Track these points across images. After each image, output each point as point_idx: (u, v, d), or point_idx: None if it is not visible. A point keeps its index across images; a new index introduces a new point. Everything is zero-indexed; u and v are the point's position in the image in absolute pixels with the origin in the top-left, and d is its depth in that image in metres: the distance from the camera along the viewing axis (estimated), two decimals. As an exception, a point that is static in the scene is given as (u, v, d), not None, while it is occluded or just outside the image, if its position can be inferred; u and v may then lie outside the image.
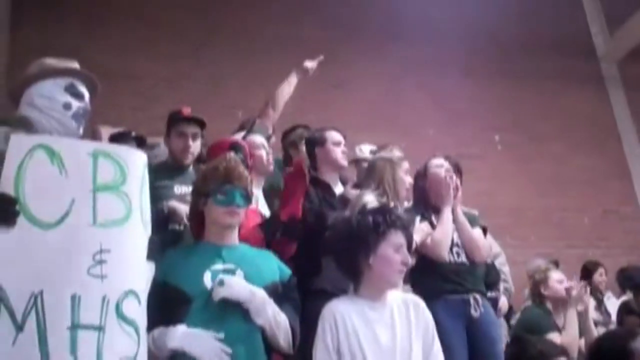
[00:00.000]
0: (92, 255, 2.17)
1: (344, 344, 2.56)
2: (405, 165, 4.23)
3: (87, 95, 2.78)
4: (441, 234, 3.87)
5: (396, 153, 4.44)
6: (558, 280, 4.77)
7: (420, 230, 3.83)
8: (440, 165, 4.15)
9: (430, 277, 3.78)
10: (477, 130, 8.27)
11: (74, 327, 2.08)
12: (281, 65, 7.72)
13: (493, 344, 3.78)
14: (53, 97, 2.66)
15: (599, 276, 6.67)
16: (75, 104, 2.70)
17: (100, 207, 2.23)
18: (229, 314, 2.64)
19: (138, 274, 2.27)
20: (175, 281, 2.66)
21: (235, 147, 3.63)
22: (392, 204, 3.57)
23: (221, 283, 2.65)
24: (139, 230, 2.32)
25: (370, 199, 3.70)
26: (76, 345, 2.07)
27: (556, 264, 5.63)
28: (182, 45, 7.44)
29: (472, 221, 4.09)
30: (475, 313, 3.75)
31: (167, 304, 2.59)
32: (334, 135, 4.34)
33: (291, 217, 3.44)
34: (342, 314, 2.61)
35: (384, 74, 8.07)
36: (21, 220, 2.13)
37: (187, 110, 4.09)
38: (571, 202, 8.41)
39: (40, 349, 2.03)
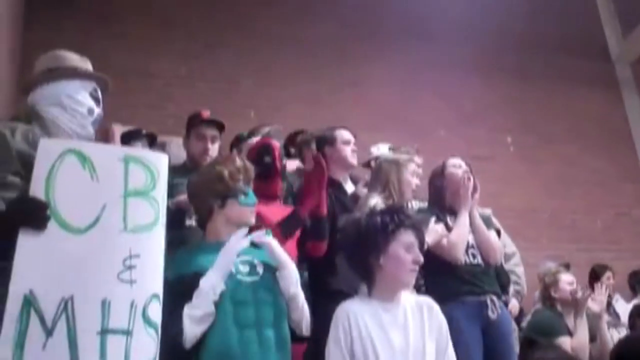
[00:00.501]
0: (123, 261, 2.19)
1: (357, 345, 2.57)
2: (412, 166, 4.20)
3: (101, 101, 2.80)
4: (457, 236, 3.86)
5: (405, 155, 4.42)
6: (568, 283, 4.76)
7: (435, 231, 3.81)
8: (458, 166, 4.16)
9: (446, 279, 3.78)
10: (488, 131, 8.25)
11: (104, 331, 2.10)
12: (295, 65, 7.79)
13: (509, 346, 3.79)
14: (79, 99, 2.67)
15: (607, 279, 6.66)
16: (97, 110, 2.72)
17: (130, 212, 2.25)
18: (259, 298, 2.70)
19: (160, 276, 2.30)
20: (196, 269, 2.68)
21: (266, 148, 3.66)
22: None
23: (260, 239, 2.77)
24: (163, 234, 2.34)
25: (376, 202, 3.72)
26: (105, 350, 2.09)
27: (567, 267, 5.62)
28: (195, 44, 7.44)
29: (487, 223, 4.09)
30: (492, 315, 3.75)
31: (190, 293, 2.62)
32: (343, 134, 4.36)
33: (315, 214, 3.46)
34: (356, 314, 2.62)
35: (397, 74, 8.06)
36: (52, 224, 2.14)
37: (206, 113, 4.10)
38: (583, 205, 8.38)
39: (71, 354, 2.05)
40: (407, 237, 2.71)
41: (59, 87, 2.67)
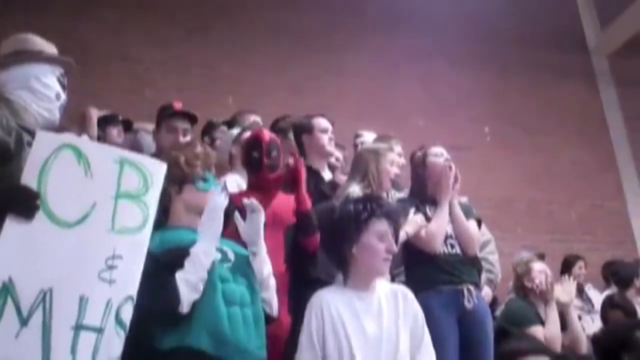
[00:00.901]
0: (105, 260, 2.18)
1: (329, 333, 2.57)
2: (391, 156, 4.17)
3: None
4: (436, 227, 3.85)
5: (384, 144, 4.41)
6: (540, 271, 4.80)
7: (414, 222, 3.80)
8: (439, 155, 4.14)
9: (423, 268, 3.79)
10: (467, 121, 8.29)
11: (78, 327, 2.09)
12: (276, 52, 7.77)
13: (485, 335, 3.79)
14: (48, 83, 2.64)
15: (578, 269, 6.74)
16: (62, 95, 2.70)
17: (119, 213, 2.24)
18: (236, 279, 2.69)
19: (136, 279, 2.27)
20: (177, 244, 2.65)
21: (254, 142, 3.65)
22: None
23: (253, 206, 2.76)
24: (146, 239, 2.33)
25: (355, 190, 3.73)
26: (76, 345, 2.08)
27: (541, 257, 5.67)
28: (176, 29, 7.41)
29: (468, 212, 4.09)
30: (468, 304, 3.75)
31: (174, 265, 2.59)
32: (321, 123, 4.36)
33: (298, 211, 3.47)
34: (329, 302, 2.62)
35: (379, 63, 8.08)
36: (40, 215, 2.12)
37: (178, 105, 3.99)
38: (559, 195, 8.46)
39: (43, 345, 2.03)
40: (380, 226, 2.70)
41: (28, 70, 2.64)
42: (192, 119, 4.01)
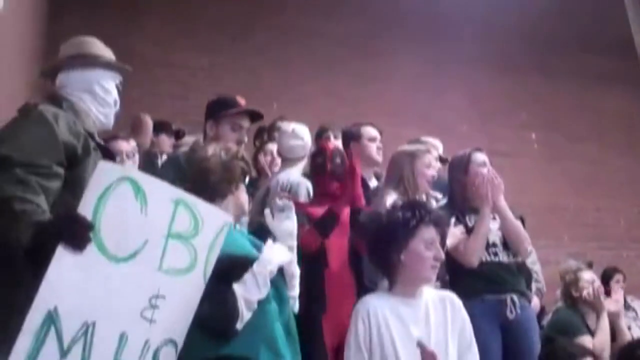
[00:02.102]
0: (149, 299, 2.18)
1: (375, 338, 2.56)
2: (427, 157, 4.02)
3: None
4: (475, 242, 3.75)
5: (420, 146, 4.34)
6: (589, 282, 4.72)
7: (453, 235, 3.69)
8: (482, 164, 4.01)
9: (466, 277, 3.71)
10: (512, 127, 8.22)
11: None
12: (318, 58, 7.79)
13: (530, 345, 3.71)
14: (109, 90, 2.69)
15: (615, 282, 6.59)
16: (118, 103, 2.75)
17: (169, 253, 2.23)
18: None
19: (183, 325, 2.25)
20: (237, 250, 2.62)
21: (320, 149, 3.85)
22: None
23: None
24: (198, 285, 2.30)
25: (392, 199, 3.69)
26: None
27: (590, 265, 5.57)
28: (220, 36, 7.47)
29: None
30: (510, 315, 3.68)
31: (239, 270, 2.55)
32: (369, 131, 4.34)
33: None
34: (375, 308, 2.61)
35: (420, 69, 8.04)
36: (91, 247, 2.11)
37: (243, 101, 3.78)
38: (606, 203, 8.33)
39: None
40: (428, 233, 2.68)
41: (92, 74, 2.68)
42: (253, 118, 3.79)
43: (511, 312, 3.69)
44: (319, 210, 3.51)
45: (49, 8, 6.55)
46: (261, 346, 2.49)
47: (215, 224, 2.37)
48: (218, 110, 3.68)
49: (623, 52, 9.12)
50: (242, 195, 2.81)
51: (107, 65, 2.73)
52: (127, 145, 4.33)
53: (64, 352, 2.03)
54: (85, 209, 2.14)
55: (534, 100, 8.51)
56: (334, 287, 3.36)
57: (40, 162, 2.27)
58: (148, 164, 4.74)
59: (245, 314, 2.43)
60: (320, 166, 3.67)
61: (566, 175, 8.23)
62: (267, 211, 2.80)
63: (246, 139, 3.66)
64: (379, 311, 2.60)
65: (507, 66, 8.42)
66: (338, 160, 3.65)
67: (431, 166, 4.04)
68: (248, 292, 2.46)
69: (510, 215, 3.90)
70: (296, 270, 2.76)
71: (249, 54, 7.49)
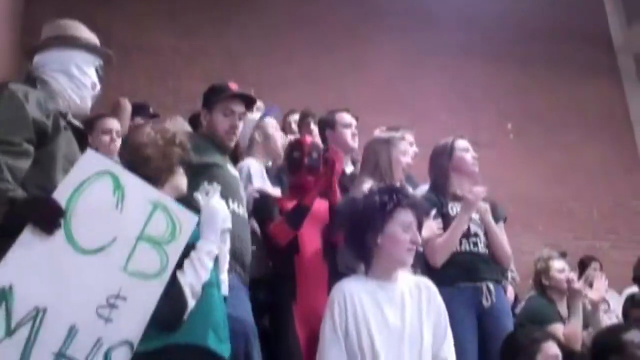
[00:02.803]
0: (107, 297, 2.16)
1: (352, 323, 2.56)
2: (403, 145, 4.06)
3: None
4: (445, 243, 3.74)
5: (396, 133, 4.34)
6: (559, 270, 4.76)
7: (429, 228, 3.66)
8: (466, 149, 4.05)
9: (444, 264, 3.71)
10: (490, 117, 8.25)
11: (59, 355, 2.07)
12: (298, 44, 7.76)
13: (504, 333, 3.69)
14: (87, 72, 2.67)
15: (593, 270, 6.64)
16: (98, 86, 2.73)
17: (137, 255, 2.21)
18: None
19: (140, 327, 2.20)
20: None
21: (296, 144, 3.74)
22: None
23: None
24: (158, 291, 2.26)
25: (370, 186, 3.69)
26: None
27: (563, 255, 5.61)
28: (199, 20, 7.42)
29: (496, 212, 4.02)
30: (486, 302, 3.71)
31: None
32: (344, 118, 4.36)
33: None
34: (352, 292, 2.61)
35: (401, 57, 8.05)
36: (59, 233, 2.12)
37: (234, 86, 3.68)
38: (581, 193, 8.40)
39: None
40: (405, 216, 2.68)
41: (69, 55, 2.66)
42: (248, 103, 3.68)
43: (487, 299, 3.72)
44: (290, 204, 3.50)
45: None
46: (209, 332, 2.50)
47: (189, 230, 2.36)
48: (209, 97, 3.63)
49: (601, 43, 9.24)
50: (178, 179, 2.77)
51: (85, 47, 2.70)
52: (116, 124, 4.31)
53: (9, 331, 2.02)
54: (60, 194, 2.15)
55: (512, 90, 8.55)
56: (305, 274, 3.35)
57: (11, 140, 2.26)
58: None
59: (191, 303, 2.41)
60: (296, 160, 3.61)
61: (542, 165, 8.28)
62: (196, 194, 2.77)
63: (240, 124, 3.56)
64: (355, 295, 2.60)
65: (487, 55, 8.44)
66: (315, 155, 3.58)
67: (406, 153, 4.06)
68: (188, 276, 2.43)
69: (497, 233, 3.92)
70: (227, 253, 2.79)
71: (228, 38, 7.45)
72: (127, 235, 2.22)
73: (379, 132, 5.10)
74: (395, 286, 2.68)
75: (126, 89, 5.92)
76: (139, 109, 5.34)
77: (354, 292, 2.62)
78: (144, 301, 2.22)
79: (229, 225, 2.70)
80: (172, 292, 2.35)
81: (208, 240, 2.53)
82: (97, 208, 2.19)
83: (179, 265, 2.40)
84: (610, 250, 7.73)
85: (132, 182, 2.31)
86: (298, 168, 3.60)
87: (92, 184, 2.18)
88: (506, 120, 8.46)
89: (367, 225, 2.67)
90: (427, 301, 2.68)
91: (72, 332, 2.09)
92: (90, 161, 2.23)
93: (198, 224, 2.50)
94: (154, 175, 2.67)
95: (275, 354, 3.30)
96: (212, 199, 2.67)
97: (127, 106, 5.08)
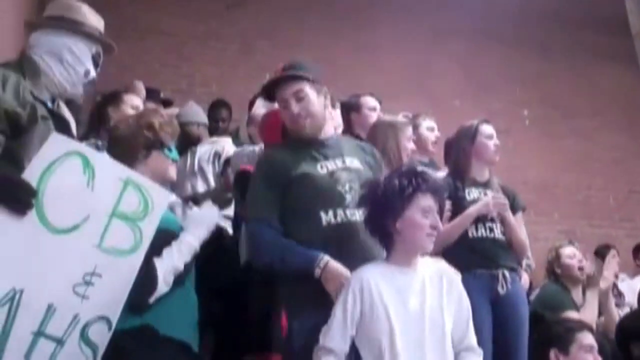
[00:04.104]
0: (83, 275, 2.18)
1: (368, 311, 2.49)
2: (409, 130, 4.01)
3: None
4: (447, 233, 3.56)
5: (402, 118, 4.29)
6: (569, 256, 4.75)
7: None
8: (490, 136, 4.02)
9: (460, 251, 3.65)
10: (505, 103, 8.17)
11: (38, 333, 2.09)
12: (311, 28, 7.71)
13: (519, 320, 3.72)
14: (80, 59, 2.63)
15: (612, 257, 6.60)
16: (92, 73, 2.70)
17: (110, 232, 2.24)
18: None
19: (118, 304, 2.23)
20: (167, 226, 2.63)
21: None
22: None
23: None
24: (136, 266, 2.29)
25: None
26: (32, 351, 2.08)
27: (571, 242, 5.56)
28: (214, 3, 7.38)
29: (513, 199, 4.00)
30: (501, 290, 3.69)
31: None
32: (369, 101, 4.38)
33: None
34: (369, 279, 2.54)
35: (416, 41, 7.98)
36: (31, 214, 2.12)
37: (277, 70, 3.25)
38: (597, 181, 8.34)
39: None
40: (425, 201, 2.60)
41: (64, 39, 2.63)
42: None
43: (502, 287, 3.71)
44: None
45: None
46: (192, 330, 2.57)
47: (162, 205, 2.39)
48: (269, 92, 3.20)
49: (619, 30, 9.09)
50: (156, 163, 2.77)
51: (82, 33, 2.66)
52: (139, 101, 4.25)
53: None
54: (30, 175, 2.16)
55: (528, 76, 8.46)
56: None
57: None
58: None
59: (162, 288, 2.42)
60: None
61: (558, 152, 8.22)
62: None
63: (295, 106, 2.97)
64: (373, 282, 2.53)
65: (502, 41, 8.36)
66: None
67: (410, 139, 4.02)
68: (166, 265, 2.45)
69: (516, 228, 3.89)
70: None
71: (242, 22, 7.42)
72: (100, 213, 2.25)
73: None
74: (415, 272, 2.62)
75: (140, 73, 5.90)
76: (150, 94, 5.34)
77: (372, 279, 2.55)
78: (120, 277, 2.25)
79: (218, 224, 2.73)
80: (145, 273, 2.36)
81: (191, 234, 2.56)
82: (68, 188, 2.20)
83: (158, 252, 2.42)
84: (626, 238, 7.67)
85: (102, 161, 2.35)
86: None
87: (61, 165, 2.20)
88: (522, 106, 8.39)
89: (386, 210, 2.60)
90: (448, 288, 2.63)
91: (49, 310, 2.12)
92: (57, 143, 2.24)
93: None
94: (125, 155, 2.68)
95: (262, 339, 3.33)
96: (213, 210, 2.74)
97: (142, 89, 5.07)
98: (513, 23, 8.46)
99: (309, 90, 2.95)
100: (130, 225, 2.27)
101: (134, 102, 4.13)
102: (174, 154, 2.86)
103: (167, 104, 5.52)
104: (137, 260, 2.27)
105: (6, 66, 2.48)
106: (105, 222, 2.24)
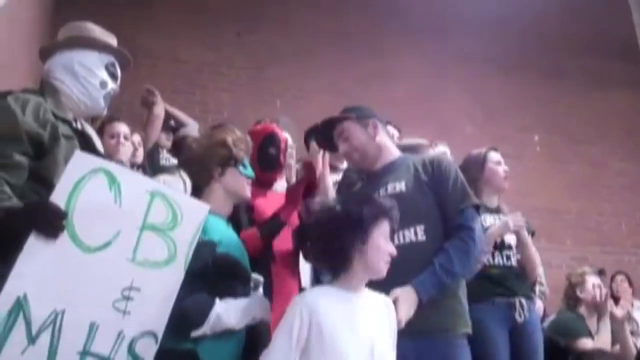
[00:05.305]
0: (121, 290, 2.19)
1: (315, 339, 2.32)
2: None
3: (119, 77, 2.76)
4: None
5: (423, 140, 4.39)
6: (594, 285, 4.71)
7: None
8: (499, 162, 4.06)
9: (477, 280, 3.54)
10: (515, 129, 8.19)
11: (84, 353, 2.10)
12: (322, 55, 7.76)
13: (536, 348, 3.70)
14: (93, 70, 2.62)
15: (621, 282, 6.58)
16: (111, 84, 2.68)
17: (143, 245, 2.24)
18: None
19: (162, 317, 2.23)
20: (237, 256, 2.65)
21: (272, 137, 3.48)
22: None
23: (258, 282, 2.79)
24: (176, 278, 2.29)
25: None
26: None
27: (601, 273, 5.54)
28: (225, 31, 7.44)
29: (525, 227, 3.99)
30: (519, 318, 3.67)
31: (231, 277, 2.60)
32: (389, 130, 4.33)
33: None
34: (317, 306, 2.37)
35: (425, 69, 8.01)
36: (63, 236, 2.12)
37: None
38: (608, 207, 8.32)
39: None
40: (385, 226, 2.51)
41: (74, 55, 2.63)
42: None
43: (519, 315, 3.68)
44: (270, 201, 3.31)
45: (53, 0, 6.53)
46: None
47: (196, 216, 2.38)
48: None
49: (628, 55, 9.11)
50: (231, 180, 2.78)
51: (89, 45, 2.67)
52: (124, 127, 4.28)
53: (32, 339, 2.04)
54: (58, 197, 2.15)
55: (537, 103, 8.48)
56: (282, 283, 3.15)
57: (1, 153, 2.24)
58: (149, 159, 4.79)
59: (206, 328, 2.42)
60: (272, 157, 3.41)
61: (569, 178, 8.21)
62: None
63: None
64: (322, 308, 2.36)
65: (512, 67, 8.39)
66: (288, 152, 3.49)
67: None
68: (225, 315, 2.46)
69: (530, 244, 3.90)
70: None
71: (253, 49, 7.47)
72: (130, 227, 2.25)
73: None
74: (364, 299, 2.51)
75: (152, 100, 5.95)
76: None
77: (321, 305, 2.37)
78: (159, 290, 2.25)
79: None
80: (202, 303, 2.39)
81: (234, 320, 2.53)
82: (96, 206, 2.20)
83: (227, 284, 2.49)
84: (638, 264, 7.62)
85: (127, 176, 2.34)
86: (273, 166, 3.42)
87: (87, 183, 2.19)
88: (532, 132, 8.40)
89: (354, 231, 2.45)
90: (389, 314, 2.53)
91: (92, 329, 2.12)
92: (81, 162, 2.23)
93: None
94: (200, 173, 2.72)
95: None
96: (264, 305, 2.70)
97: (160, 114, 5.10)
98: (523, 49, 8.49)
99: (351, 127, 3.11)
100: (162, 236, 2.28)
101: (113, 131, 4.17)
102: (249, 170, 2.85)
103: (175, 130, 5.54)
104: (175, 271, 2.28)
105: (26, 91, 2.50)
106: (137, 236, 2.24)
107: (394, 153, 3.16)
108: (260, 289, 2.83)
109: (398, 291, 2.66)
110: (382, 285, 2.53)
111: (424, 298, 2.70)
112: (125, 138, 4.25)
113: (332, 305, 2.38)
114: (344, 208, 2.52)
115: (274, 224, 3.14)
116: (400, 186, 2.93)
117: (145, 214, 2.28)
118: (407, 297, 2.68)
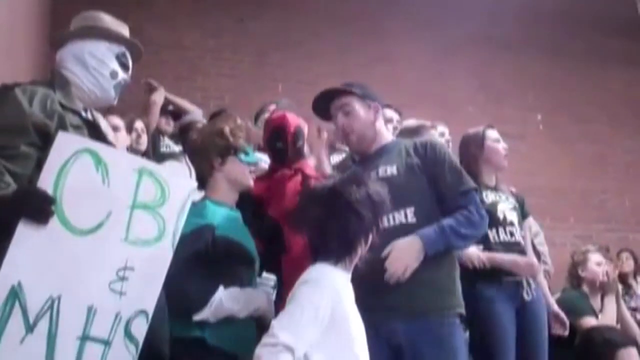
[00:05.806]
0: (116, 271, 2.19)
1: (335, 319, 2.22)
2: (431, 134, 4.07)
3: (130, 67, 2.76)
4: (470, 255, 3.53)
5: (426, 122, 4.40)
6: (597, 263, 4.73)
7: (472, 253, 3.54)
8: (497, 140, 4.05)
9: None
10: (518, 109, 8.16)
11: (84, 338, 2.10)
12: (325, 40, 7.74)
13: (542, 326, 3.72)
14: (104, 61, 2.62)
15: (626, 260, 6.58)
16: (122, 74, 2.67)
17: (134, 224, 2.24)
18: None
19: (154, 294, 2.24)
20: (237, 238, 2.68)
21: (278, 131, 3.29)
22: None
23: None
24: (166, 254, 2.29)
25: None
26: (82, 356, 2.09)
27: (606, 250, 5.53)
28: (227, 17, 7.43)
29: (522, 206, 4.02)
30: (527, 297, 3.66)
31: (232, 260, 2.64)
32: (386, 113, 4.33)
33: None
34: (340, 286, 2.30)
35: (427, 50, 7.98)
36: (54, 221, 2.12)
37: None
38: (612, 185, 8.30)
39: (47, 353, 2.04)
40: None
41: (85, 45, 2.62)
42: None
43: (527, 294, 3.68)
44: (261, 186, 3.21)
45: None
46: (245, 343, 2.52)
47: (181, 191, 2.37)
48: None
49: (633, 33, 9.08)
50: (232, 169, 2.82)
51: (99, 35, 2.66)
52: (116, 120, 4.28)
53: (30, 327, 2.04)
54: (45, 182, 2.14)
55: (541, 82, 8.44)
56: (293, 275, 2.87)
57: (6, 144, 2.25)
58: (151, 144, 4.82)
59: (208, 313, 2.47)
60: (281, 152, 3.26)
61: (572, 156, 8.20)
62: None
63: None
64: (342, 292, 2.29)
65: (513, 47, 8.35)
66: (300, 142, 3.26)
67: None
68: (227, 301, 2.51)
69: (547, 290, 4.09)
70: None
71: (255, 35, 7.46)
72: (121, 207, 2.24)
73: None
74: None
75: (155, 87, 5.96)
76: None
77: (341, 289, 2.30)
78: (151, 268, 2.25)
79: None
80: (204, 290, 2.42)
81: (235, 305, 2.58)
82: (85, 188, 2.19)
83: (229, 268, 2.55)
84: (643, 241, 7.63)
85: (113, 155, 2.32)
86: (282, 160, 3.28)
87: (73, 166, 2.18)
88: (535, 111, 8.37)
89: (369, 219, 2.37)
90: None
91: (90, 313, 2.12)
92: (65, 143, 2.21)
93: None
94: (202, 164, 2.74)
95: None
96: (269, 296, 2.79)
97: (157, 102, 5.11)
98: (524, 28, 8.45)
99: (354, 103, 3.09)
100: (152, 213, 2.27)
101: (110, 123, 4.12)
102: (250, 157, 2.89)
103: (176, 115, 5.56)
104: (164, 248, 2.28)
105: (35, 83, 2.51)
106: (128, 215, 2.23)
107: (387, 137, 3.19)
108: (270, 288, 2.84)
109: (400, 242, 2.67)
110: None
111: (430, 251, 2.70)
112: (116, 129, 4.20)
113: (347, 290, 2.35)
114: (367, 193, 2.42)
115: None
116: (392, 169, 2.93)
117: (135, 192, 2.26)
118: (411, 249, 2.69)
